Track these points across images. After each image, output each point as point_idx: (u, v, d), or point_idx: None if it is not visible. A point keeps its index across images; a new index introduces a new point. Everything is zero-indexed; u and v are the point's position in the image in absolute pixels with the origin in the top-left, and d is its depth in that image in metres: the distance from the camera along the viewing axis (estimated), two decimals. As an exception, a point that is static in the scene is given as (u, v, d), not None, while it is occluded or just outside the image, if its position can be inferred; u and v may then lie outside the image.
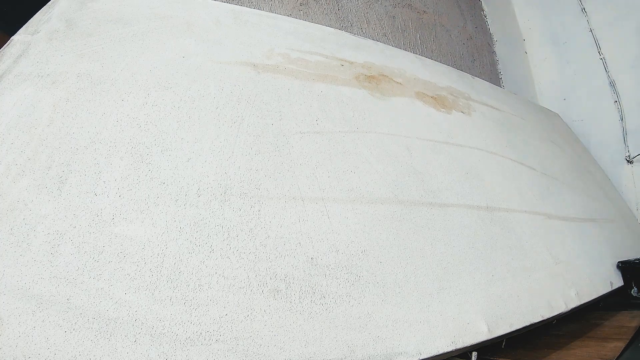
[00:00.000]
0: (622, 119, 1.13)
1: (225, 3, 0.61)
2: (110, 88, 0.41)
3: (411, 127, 0.64)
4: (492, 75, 1.30)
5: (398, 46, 0.98)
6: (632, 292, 0.72)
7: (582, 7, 1.22)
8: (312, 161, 0.48)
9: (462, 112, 0.77)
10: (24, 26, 0.44)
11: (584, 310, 0.63)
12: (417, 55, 0.88)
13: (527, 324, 0.50)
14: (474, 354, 0.45)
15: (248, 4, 0.76)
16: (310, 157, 0.48)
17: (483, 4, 1.42)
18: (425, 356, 0.39)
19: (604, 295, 0.65)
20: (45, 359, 0.26)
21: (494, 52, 1.36)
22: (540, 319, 0.51)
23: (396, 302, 0.41)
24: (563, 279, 0.60)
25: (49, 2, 0.48)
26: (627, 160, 1.11)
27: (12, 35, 0.42)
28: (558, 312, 0.54)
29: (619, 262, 0.74)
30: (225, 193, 0.40)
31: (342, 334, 0.36)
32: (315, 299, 0.37)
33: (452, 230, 0.53)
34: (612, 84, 1.16)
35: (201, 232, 0.36)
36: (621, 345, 0.53)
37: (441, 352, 0.40)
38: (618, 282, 0.71)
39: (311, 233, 0.41)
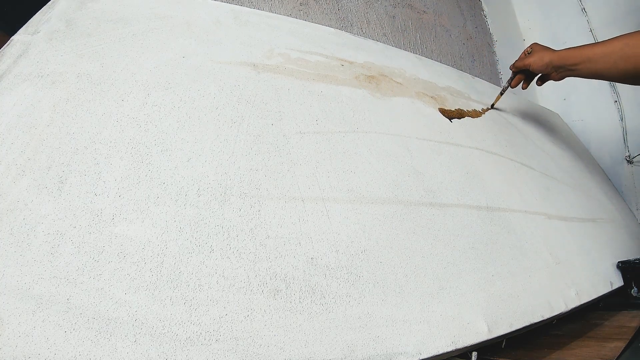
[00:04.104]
0: (622, 119, 1.13)
1: (225, 3, 0.61)
2: (110, 88, 0.41)
3: (411, 127, 0.64)
4: (492, 75, 1.30)
5: (398, 46, 0.98)
6: (632, 292, 0.72)
7: (582, 7, 1.22)
8: (312, 161, 0.48)
9: (462, 112, 0.77)
10: (24, 26, 0.44)
11: (584, 310, 0.63)
12: (417, 55, 0.88)
13: (527, 324, 0.50)
14: (474, 354, 0.45)
15: (248, 4, 0.76)
16: (310, 157, 0.48)
17: (483, 4, 1.42)
18: (425, 356, 0.39)
19: (604, 295, 0.65)
20: (45, 359, 0.26)
21: (494, 52, 1.36)
22: (540, 319, 0.51)
23: (396, 302, 0.41)
24: (563, 279, 0.60)
25: (49, 2, 0.48)
26: (627, 160, 1.11)
27: (12, 35, 0.42)
28: (558, 312, 0.54)
29: (619, 262, 0.74)
30: (225, 193, 0.40)
31: (342, 334, 0.36)
32: (315, 299, 0.37)
33: (452, 230, 0.53)
34: (612, 84, 1.16)
35: (201, 232, 0.36)
36: (621, 345, 0.53)
37: (441, 352, 0.40)
38: (618, 282, 0.71)
39: (311, 233, 0.41)
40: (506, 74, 1.34)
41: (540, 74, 0.83)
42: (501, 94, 0.87)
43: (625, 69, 0.67)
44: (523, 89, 0.86)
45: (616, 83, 1.16)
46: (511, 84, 0.86)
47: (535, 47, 0.81)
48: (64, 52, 0.42)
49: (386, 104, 0.64)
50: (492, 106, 0.88)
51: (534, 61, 0.78)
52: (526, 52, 0.82)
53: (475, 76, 1.02)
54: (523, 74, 0.84)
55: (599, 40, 0.75)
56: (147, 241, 0.33)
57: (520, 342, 0.53)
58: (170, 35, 0.50)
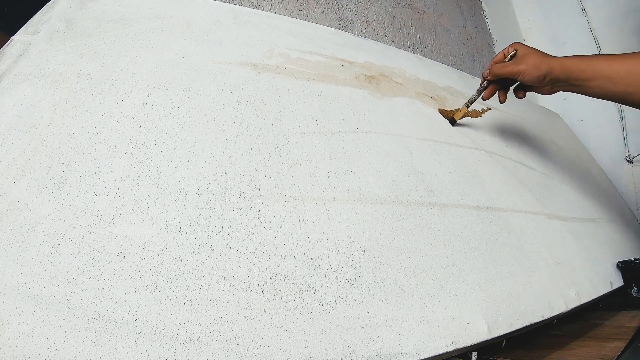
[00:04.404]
0: (622, 119, 1.13)
1: (225, 3, 0.61)
2: (110, 88, 0.41)
3: (411, 127, 0.64)
4: (492, 75, 1.30)
5: (398, 46, 0.98)
6: (632, 292, 0.72)
7: (582, 7, 1.22)
8: (312, 161, 0.48)
9: (462, 112, 0.77)
10: (24, 26, 0.44)
11: (584, 310, 0.63)
12: (417, 55, 0.88)
13: (527, 324, 0.50)
14: (474, 354, 0.45)
15: (248, 4, 0.76)
16: (310, 157, 0.48)
17: (483, 4, 1.42)
18: (425, 356, 0.39)
19: (604, 295, 0.65)
20: (45, 359, 0.26)
21: (494, 52, 1.36)
22: (540, 319, 0.51)
23: (396, 302, 0.41)
24: (563, 279, 0.60)
25: (49, 2, 0.48)
26: (627, 160, 1.11)
27: (12, 35, 0.42)
28: (558, 312, 0.54)
29: (619, 262, 0.74)
30: (225, 193, 0.40)
31: (342, 334, 0.36)
32: (315, 299, 0.37)
33: (452, 230, 0.53)
34: (612, 84, 1.15)
35: (201, 232, 0.36)
36: (621, 345, 0.53)
37: (441, 352, 0.40)
38: (618, 282, 0.71)
39: (311, 233, 0.41)
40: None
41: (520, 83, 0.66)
42: (467, 106, 0.70)
43: None
44: (501, 102, 0.69)
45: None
46: (483, 95, 0.68)
47: (522, 50, 0.63)
48: (64, 52, 0.42)
49: (386, 104, 0.64)
50: (454, 123, 0.71)
51: (527, 70, 0.61)
52: (507, 54, 0.65)
53: (475, 76, 1.02)
54: (498, 83, 0.67)
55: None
56: (147, 241, 0.33)
57: (520, 342, 0.53)
58: (170, 35, 0.50)
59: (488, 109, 0.86)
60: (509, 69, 0.63)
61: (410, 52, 0.95)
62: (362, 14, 0.95)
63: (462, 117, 0.71)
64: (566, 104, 1.26)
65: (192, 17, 0.54)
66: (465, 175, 0.63)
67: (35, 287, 0.28)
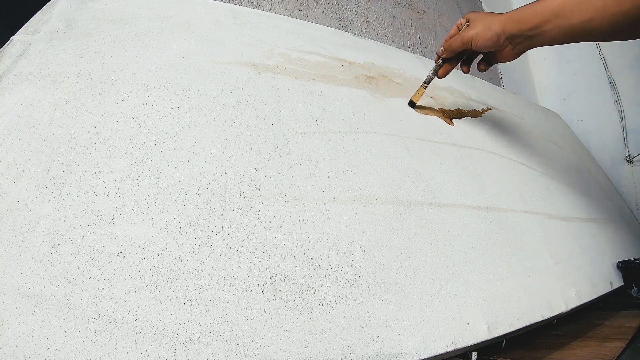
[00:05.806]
0: (622, 119, 1.13)
1: (225, 3, 0.61)
2: (110, 88, 0.41)
3: (411, 128, 0.64)
4: (492, 75, 1.30)
5: (398, 46, 0.98)
6: (632, 292, 0.72)
7: (582, 7, 1.22)
8: (312, 161, 0.48)
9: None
10: (24, 26, 0.44)
11: (584, 310, 0.63)
12: (417, 55, 0.88)
13: (527, 324, 0.50)
14: (474, 354, 0.45)
15: (248, 4, 0.76)
16: (310, 157, 0.48)
17: (483, 4, 1.42)
18: (425, 356, 0.39)
19: (604, 295, 0.65)
20: (45, 359, 0.26)
21: (494, 52, 1.36)
22: (540, 319, 0.51)
23: (396, 302, 0.41)
24: (563, 279, 0.60)
25: (49, 2, 0.48)
26: (627, 160, 1.11)
27: (12, 35, 0.42)
28: (558, 312, 0.54)
29: (619, 262, 0.74)
30: (225, 193, 0.40)
31: (342, 334, 0.36)
32: (315, 299, 0.37)
33: (452, 230, 0.53)
34: (612, 84, 1.16)
35: (201, 232, 0.36)
36: (621, 345, 0.53)
37: (441, 352, 0.40)
38: (618, 282, 0.71)
39: (311, 233, 0.41)
40: (506, 75, 1.34)
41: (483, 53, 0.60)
42: (424, 87, 0.66)
43: (617, 14, 0.45)
44: (464, 72, 0.64)
45: (615, 79, 1.15)
46: (438, 73, 0.63)
47: (473, 16, 0.58)
48: (64, 52, 0.42)
49: (386, 104, 0.64)
50: (414, 105, 0.68)
51: (479, 34, 0.55)
52: (461, 26, 0.60)
53: (475, 76, 1.02)
54: (456, 59, 0.62)
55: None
56: (147, 241, 0.33)
57: (520, 342, 0.53)
58: (170, 35, 0.50)
59: (488, 109, 0.86)
60: (459, 38, 0.58)
61: (410, 52, 0.95)
62: (362, 14, 0.95)
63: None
64: (566, 104, 1.26)
65: (192, 17, 0.54)
66: (465, 175, 0.63)
67: (35, 287, 0.28)
